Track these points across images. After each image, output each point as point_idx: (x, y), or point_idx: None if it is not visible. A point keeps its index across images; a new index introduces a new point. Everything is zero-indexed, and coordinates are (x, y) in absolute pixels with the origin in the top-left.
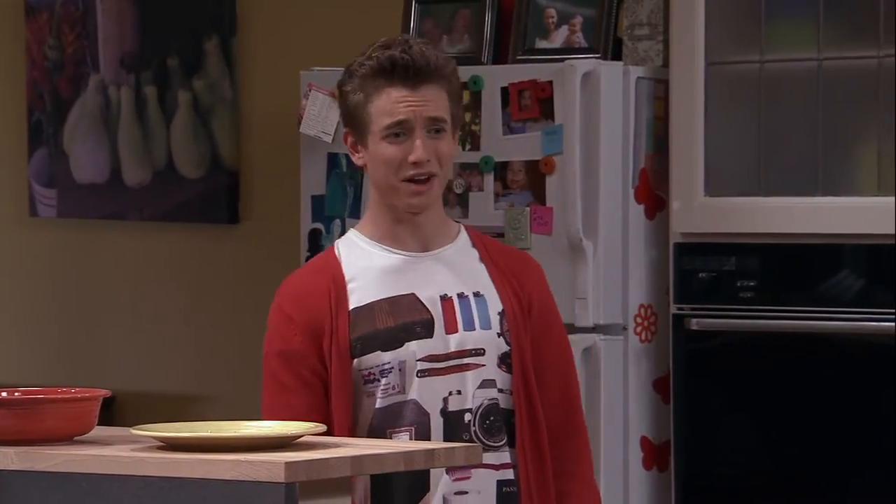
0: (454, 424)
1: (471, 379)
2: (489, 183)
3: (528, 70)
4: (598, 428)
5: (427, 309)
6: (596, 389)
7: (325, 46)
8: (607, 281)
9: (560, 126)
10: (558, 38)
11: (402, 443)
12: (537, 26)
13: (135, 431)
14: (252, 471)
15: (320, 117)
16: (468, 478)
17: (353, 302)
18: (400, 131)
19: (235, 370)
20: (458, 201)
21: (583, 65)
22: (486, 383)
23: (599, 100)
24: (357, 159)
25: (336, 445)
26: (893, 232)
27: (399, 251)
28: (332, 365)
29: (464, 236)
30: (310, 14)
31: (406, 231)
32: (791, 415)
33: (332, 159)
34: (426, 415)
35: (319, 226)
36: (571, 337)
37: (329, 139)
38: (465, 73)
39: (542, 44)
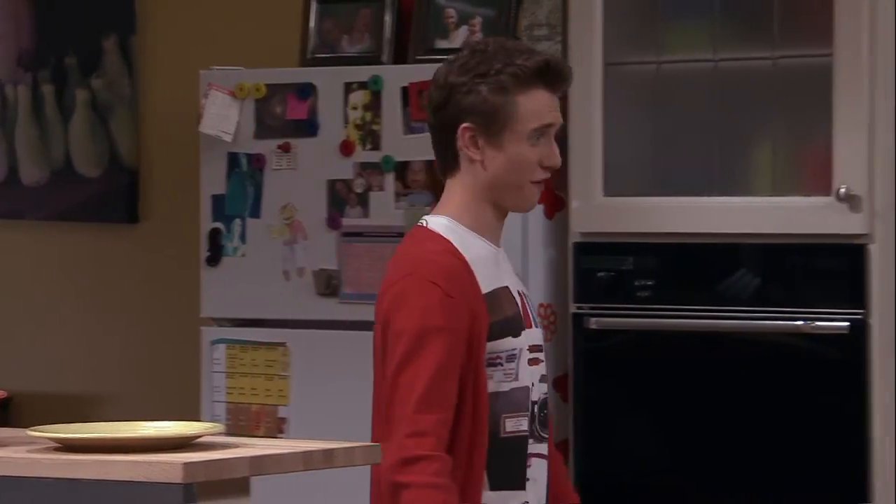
0: (533, 414)
1: (538, 373)
2: (389, 182)
3: (428, 70)
4: None
5: (517, 302)
6: None
7: (224, 46)
8: None
9: None
10: (458, 38)
11: (301, 442)
12: (437, 26)
13: (31, 433)
14: (150, 472)
15: (220, 116)
16: (531, 466)
17: (483, 287)
18: (542, 134)
19: (134, 371)
20: (358, 201)
21: None
22: (544, 378)
23: None
24: (474, 154)
25: (235, 446)
26: (788, 232)
27: (490, 245)
28: (477, 347)
29: None
30: (209, 13)
31: (498, 228)
32: (689, 413)
33: (233, 159)
34: (528, 401)
35: (220, 225)
36: None
37: (229, 138)
38: (365, 72)
39: (442, 44)
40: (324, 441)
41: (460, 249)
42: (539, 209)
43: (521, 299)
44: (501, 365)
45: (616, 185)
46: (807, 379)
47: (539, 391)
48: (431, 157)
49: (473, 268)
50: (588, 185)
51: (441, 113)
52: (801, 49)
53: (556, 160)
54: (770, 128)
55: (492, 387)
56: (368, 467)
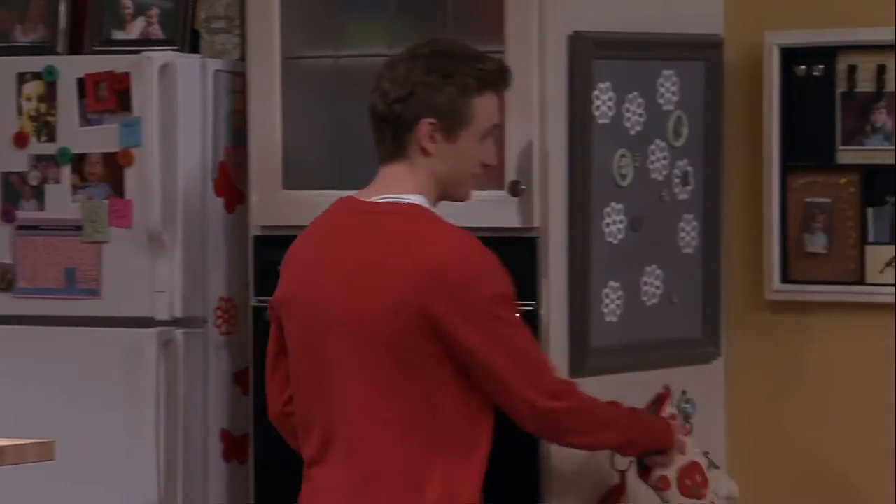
0: None
1: None
2: (66, 175)
3: (104, 61)
4: (177, 421)
5: None
6: (176, 383)
7: None
8: (187, 274)
9: (138, 118)
10: (135, 30)
11: None
12: (113, 17)
13: None
14: None
15: None
16: None
17: None
18: (489, 134)
19: None
20: (33, 193)
21: (160, 57)
22: None
23: (177, 92)
24: (430, 147)
25: None
26: (463, 225)
27: None
28: None
29: None
30: None
31: None
32: None
33: None
34: None
35: None
36: (150, 331)
37: None
38: (40, 62)
39: (118, 35)
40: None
41: None
42: (219, 203)
43: None
44: None
45: (296, 178)
46: None
47: None
48: (109, 149)
49: None
50: (268, 178)
51: (399, 106)
52: (473, 45)
53: (494, 159)
54: None
55: None
56: (43, 465)
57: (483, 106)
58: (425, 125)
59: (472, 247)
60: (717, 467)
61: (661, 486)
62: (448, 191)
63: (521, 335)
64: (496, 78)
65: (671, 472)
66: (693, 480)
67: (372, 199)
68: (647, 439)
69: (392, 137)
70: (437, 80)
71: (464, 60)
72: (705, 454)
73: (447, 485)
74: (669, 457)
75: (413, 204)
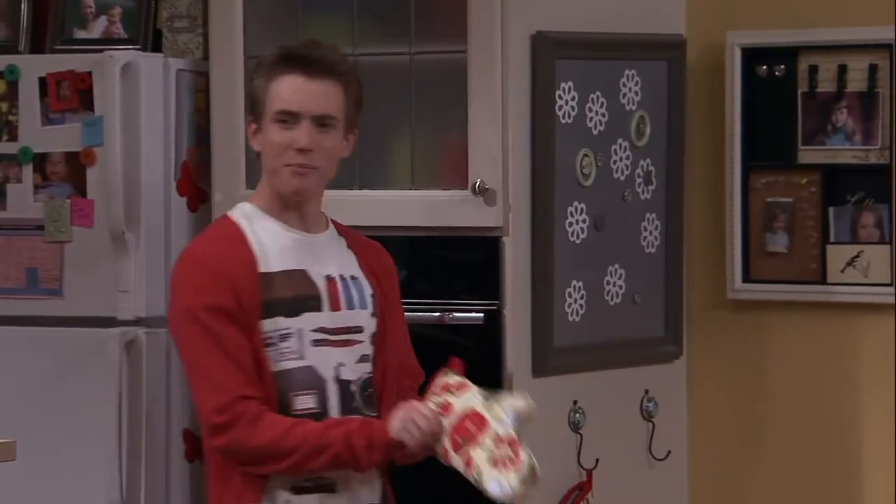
0: (345, 392)
1: (352, 354)
2: (28, 174)
3: (66, 60)
4: (140, 421)
5: (316, 286)
6: (139, 383)
7: None
8: (150, 274)
9: (100, 117)
10: (97, 29)
11: None
12: (75, 16)
13: None
14: None
15: None
16: None
17: (261, 268)
18: (287, 118)
19: None
20: None
21: (122, 56)
22: (364, 358)
23: (140, 91)
24: (255, 144)
25: None
26: (428, 224)
27: (291, 230)
28: (253, 321)
29: (331, 226)
30: None
31: (293, 215)
32: None
33: None
34: (323, 381)
35: None
36: (113, 331)
37: None
38: (1, 62)
39: (80, 34)
40: None
41: (250, 232)
42: (182, 202)
43: (331, 283)
44: (276, 344)
45: (259, 177)
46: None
47: (357, 372)
48: (71, 148)
49: (258, 251)
50: (231, 177)
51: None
52: (436, 45)
53: (299, 142)
54: (408, 122)
55: (274, 366)
56: (4, 465)
57: (276, 88)
58: (249, 123)
59: (191, 258)
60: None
61: (446, 460)
62: (276, 187)
63: (199, 355)
64: (281, 60)
65: (445, 441)
66: (463, 432)
67: None
68: (361, 447)
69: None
70: (252, 81)
71: (269, 57)
72: (487, 396)
73: None
74: (421, 437)
75: (223, 215)
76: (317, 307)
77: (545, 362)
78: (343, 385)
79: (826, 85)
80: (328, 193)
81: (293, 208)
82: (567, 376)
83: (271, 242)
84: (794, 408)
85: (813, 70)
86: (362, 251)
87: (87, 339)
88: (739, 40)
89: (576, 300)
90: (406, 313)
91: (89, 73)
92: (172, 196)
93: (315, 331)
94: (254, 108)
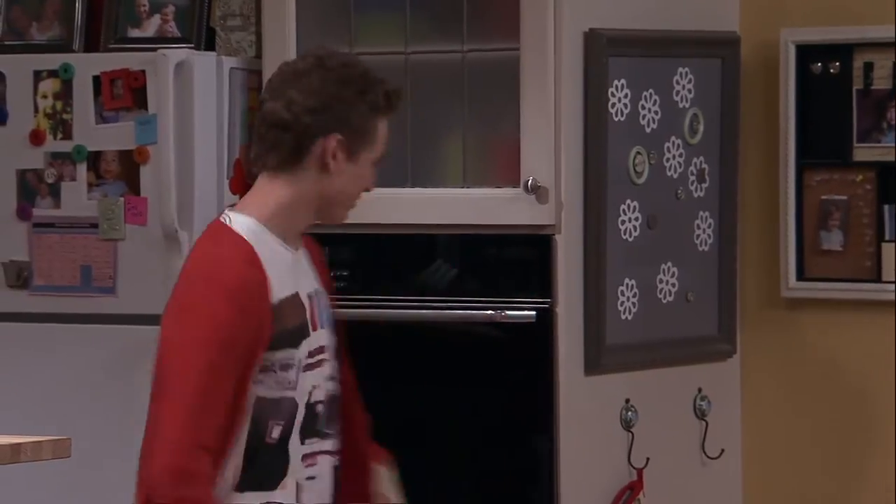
0: (311, 415)
1: (322, 374)
2: (82, 173)
3: (120, 59)
4: None
5: (305, 308)
6: None
7: None
8: None
9: (154, 116)
10: (151, 27)
11: None
12: (129, 15)
13: None
14: None
15: None
16: (315, 464)
17: (272, 298)
18: (378, 161)
19: None
20: (49, 191)
21: (175, 54)
22: (331, 377)
23: (193, 90)
24: (332, 163)
25: None
26: (479, 223)
27: (289, 248)
28: (255, 356)
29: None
30: None
31: (291, 233)
32: (386, 402)
33: None
34: (297, 406)
35: None
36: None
37: None
38: (56, 60)
39: (134, 32)
40: (11, 436)
41: (261, 255)
42: (235, 200)
43: (311, 302)
44: (274, 373)
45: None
46: (498, 367)
47: (325, 390)
48: (125, 147)
49: (269, 274)
50: None
51: (309, 117)
52: (489, 43)
53: (371, 188)
54: (460, 121)
55: (262, 392)
56: (58, 462)
57: (383, 129)
58: (334, 140)
59: (224, 286)
60: None
61: None
62: (328, 211)
63: (198, 378)
64: (397, 103)
65: None
66: None
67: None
68: None
69: (292, 148)
70: (352, 95)
71: (374, 79)
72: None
73: None
74: None
75: (224, 224)
76: (308, 332)
77: (597, 361)
78: (310, 408)
79: (881, 82)
80: (381, 192)
81: (305, 229)
82: (619, 374)
83: (276, 265)
84: (847, 406)
85: (868, 67)
86: (316, 257)
87: (141, 336)
88: (793, 37)
89: (628, 298)
90: (457, 311)
91: (143, 72)
92: (225, 194)
93: (306, 357)
94: (357, 134)
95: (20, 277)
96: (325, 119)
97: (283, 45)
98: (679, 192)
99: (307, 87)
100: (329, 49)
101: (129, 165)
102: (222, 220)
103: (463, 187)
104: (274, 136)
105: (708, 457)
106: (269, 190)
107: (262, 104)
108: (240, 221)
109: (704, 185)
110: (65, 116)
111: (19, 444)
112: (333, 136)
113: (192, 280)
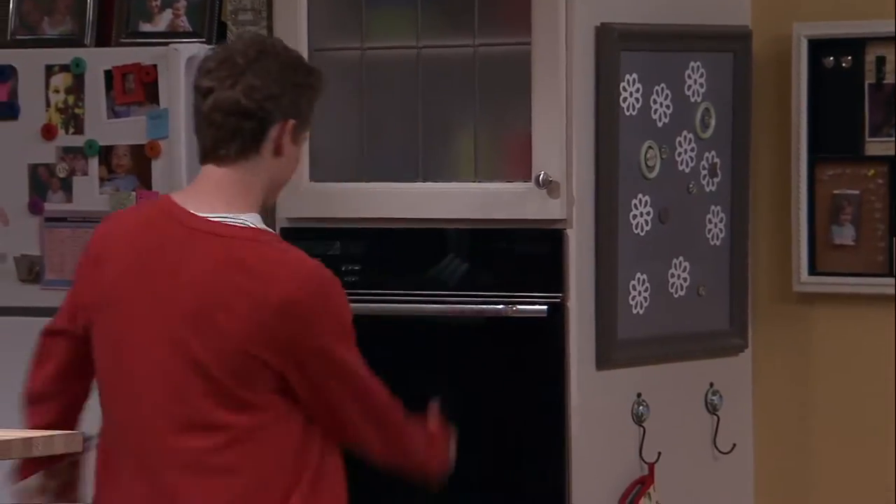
0: None
1: None
2: (94, 167)
3: (132, 53)
4: None
5: None
6: None
7: None
8: None
9: (165, 110)
10: (162, 22)
11: (0, 431)
12: (141, 9)
13: None
14: None
15: None
16: None
17: None
18: None
19: None
20: (61, 185)
21: (187, 49)
22: None
23: None
24: (288, 151)
25: None
26: (490, 217)
27: None
28: None
29: None
30: None
31: None
32: (395, 397)
33: None
34: None
35: None
36: None
37: None
38: (67, 55)
39: (146, 27)
40: (23, 430)
41: None
42: None
43: None
44: None
45: (322, 170)
46: (510, 362)
47: None
48: (136, 141)
49: None
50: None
51: (271, 103)
52: (500, 37)
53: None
54: (472, 115)
55: None
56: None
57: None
58: (290, 125)
59: (331, 280)
60: None
61: None
62: (272, 196)
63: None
64: (324, 88)
65: None
66: None
67: (204, 216)
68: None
69: (251, 135)
70: (303, 81)
71: (312, 67)
72: None
73: None
74: None
75: (252, 228)
76: None
77: (609, 355)
78: None
79: (893, 76)
80: (392, 186)
81: None
82: (631, 369)
83: None
84: (859, 401)
85: (880, 61)
86: None
87: None
88: (806, 32)
89: (640, 293)
90: (469, 306)
91: (154, 66)
92: None
93: None
94: (303, 115)
95: (32, 272)
96: (283, 104)
97: (294, 40)
98: (691, 186)
99: (265, 74)
100: (256, 33)
101: (141, 160)
102: (240, 224)
103: (474, 182)
104: (234, 124)
105: (720, 451)
106: (237, 180)
107: (209, 93)
108: (254, 218)
109: (716, 180)
110: (76, 111)
111: (31, 439)
112: (289, 121)
113: (330, 294)
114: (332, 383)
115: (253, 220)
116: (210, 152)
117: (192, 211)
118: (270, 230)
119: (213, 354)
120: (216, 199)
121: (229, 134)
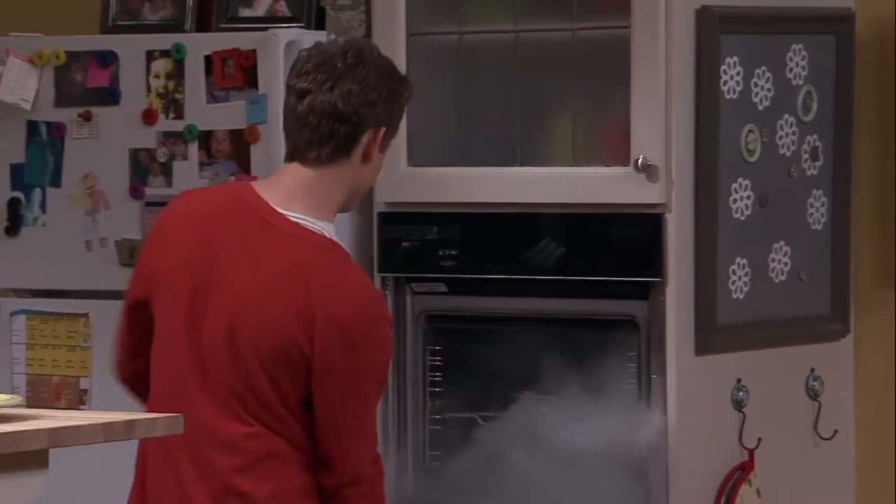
0: None
1: None
2: (193, 152)
3: (231, 38)
4: None
5: None
6: None
7: (23, 12)
8: None
9: (264, 95)
10: (261, 7)
11: (102, 413)
12: None
13: None
14: None
15: (18, 83)
16: None
17: None
18: None
19: None
20: (161, 170)
21: (286, 34)
22: None
23: None
24: (375, 160)
25: (34, 417)
26: (588, 202)
27: None
28: None
29: None
30: None
31: None
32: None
33: (32, 127)
34: None
35: (19, 195)
36: None
37: (28, 106)
38: (168, 40)
39: (245, 12)
40: (125, 413)
41: None
42: None
43: None
44: None
45: (420, 155)
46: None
47: None
48: (235, 126)
49: None
50: (392, 154)
51: (366, 109)
52: (599, 21)
53: None
54: (570, 99)
55: None
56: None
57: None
58: (381, 132)
59: (384, 318)
60: None
61: None
62: (352, 201)
63: (368, 414)
64: (412, 96)
65: None
66: None
67: (283, 212)
68: None
69: (345, 139)
70: (397, 89)
71: (404, 75)
72: None
73: None
74: None
75: (330, 240)
76: None
77: (708, 340)
78: None
79: None
80: (490, 170)
81: None
82: (730, 354)
83: None
84: None
85: None
86: None
87: None
88: None
89: (740, 277)
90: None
91: (254, 51)
92: None
93: None
94: (393, 123)
95: (133, 256)
96: (377, 111)
97: (392, 25)
98: (792, 170)
99: (362, 80)
100: (354, 39)
101: (240, 144)
102: (321, 233)
103: (572, 166)
104: (328, 127)
105: (821, 437)
106: (322, 184)
107: (305, 94)
108: (334, 234)
109: (818, 163)
110: (177, 96)
111: (133, 421)
112: (380, 129)
113: (379, 327)
114: (338, 404)
115: (329, 229)
116: (300, 152)
117: (272, 205)
118: (342, 246)
119: (257, 343)
120: (297, 199)
121: (323, 137)
